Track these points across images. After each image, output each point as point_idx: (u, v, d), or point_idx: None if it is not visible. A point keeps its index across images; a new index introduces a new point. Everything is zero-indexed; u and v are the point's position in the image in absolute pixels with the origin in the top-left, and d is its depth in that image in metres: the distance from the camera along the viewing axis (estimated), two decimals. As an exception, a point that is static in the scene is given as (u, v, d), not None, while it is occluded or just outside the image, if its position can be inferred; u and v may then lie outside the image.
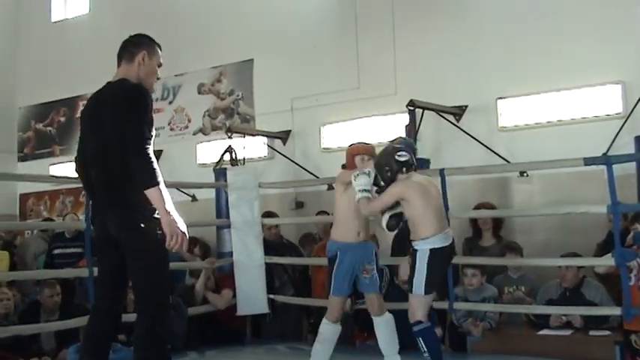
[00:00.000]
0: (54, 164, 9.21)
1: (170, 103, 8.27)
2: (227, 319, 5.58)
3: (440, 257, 3.68)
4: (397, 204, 3.79)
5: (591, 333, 4.52)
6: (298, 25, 7.28)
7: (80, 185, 3.46)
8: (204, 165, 7.60)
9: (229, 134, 6.78)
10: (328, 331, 4.09)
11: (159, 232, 2.78)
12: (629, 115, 5.34)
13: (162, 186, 2.78)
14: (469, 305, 4.82)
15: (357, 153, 4.07)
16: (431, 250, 3.65)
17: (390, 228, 3.86)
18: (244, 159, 6.81)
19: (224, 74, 7.88)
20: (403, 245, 4.20)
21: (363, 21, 6.82)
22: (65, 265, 5.91)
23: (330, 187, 6.07)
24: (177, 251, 2.85)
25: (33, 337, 4.89)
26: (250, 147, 7.09)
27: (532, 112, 5.87)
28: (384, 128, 6.46)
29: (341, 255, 4.01)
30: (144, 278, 2.92)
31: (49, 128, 9.54)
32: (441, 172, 4.78)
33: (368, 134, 6.56)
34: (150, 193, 2.76)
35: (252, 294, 5.60)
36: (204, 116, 7.99)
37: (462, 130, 6.02)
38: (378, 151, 4.02)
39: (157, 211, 2.80)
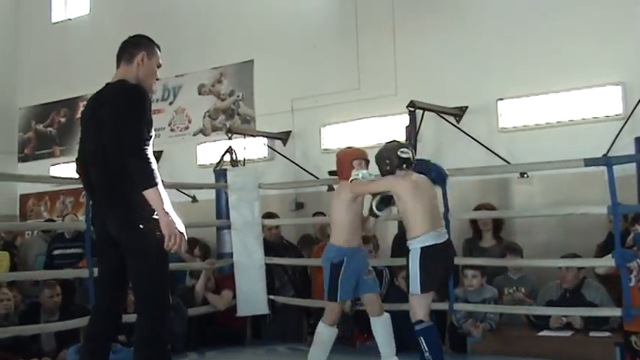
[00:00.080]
0: (54, 165, 9.21)
1: (170, 103, 8.28)
2: (227, 320, 5.58)
3: (432, 255, 3.71)
4: (390, 199, 3.91)
5: (591, 334, 4.51)
6: (298, 25, 7.29)
7: (80, 186, 3.46)
8: (204, 166, 7.60)
9: (229, 135, 6.78)
10: (326, 334, 4.09)
11: (158, 232, 2.77)
12: (630, 116, 5.35)
13: (160, 186, 2.78)
14: (469, 306, 4.81)
15: (355, 157, 4.13)
16: (422, 248, 3.70)
17: (377, 207, 3.98)
18: (244, 160, 6.82)
19: (224, 75, 7.88)
20: (403, 246, 4.20)
21: (363, 22, 6.82)
22: (65, 265, 5.91)
23: (331, 189, 6.08)
24: (175, 252, 2.85)
25: (33, 337, 4.89)
26: (250, 148, 7.09)
27: (532, 113, 5.88)
28: (385, 129, 6.46)
29: (348, 260, 4.02)
30: (144, 279, 2.92)
31: (50, 129, 9.54)
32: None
33: (368, 135, 6.59)
34: (148, 193, 2.76)
35: (252, 295, 5.59)
36: (204, 117, 8.00)
37: (462, 131, 6.03)
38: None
39: (156, 212, 2.81)
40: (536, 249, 5.51)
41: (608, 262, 4.32)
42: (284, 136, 7.23)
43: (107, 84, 3.06)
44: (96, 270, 3.31)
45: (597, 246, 4.97)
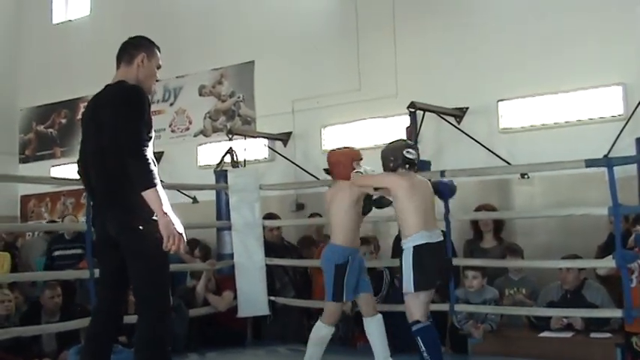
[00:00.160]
0: (55, 166, 9.21)
1: (171, 104, 8.28)
2: (228, 321, 5.58)
3: (425, 253, 3.73)
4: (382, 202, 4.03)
5: (592, 335, 4.51)
6: (299, 27, 7.29)
7: (81, 187, 3.47)
8: (205, 167, 7.60)
9: (230, 136, 6.78)
10: (327, 334, 4.09)
11: (157, 234, 2.77)
12: (630, 117, 5.34)
13: (159, 187, 2.78)
14: (470, 307, 4.81)
15: (356, 158, 4.21)
16: (414, 247, 3.73)
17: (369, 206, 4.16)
18: (245, 161, 6.82)
19: (225, 76, 7.89)
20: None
21: (363, 23, 6.82)
22: (65, 266, 5.91)
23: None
24: (174, 252, 2.85)
25: (34, 338, 4.89)
26: (251, 149, 7.09)
27: (533, 114, 5.87)
28: (385, 130, 6.46)
29: (351, 261, 4.03)
30: (144, 280, 2.92)
31: (50, 130, 9.55)
32: (442, 174, 4.79)
33: (369, 136, 6.59)
34: (147, 194, 2.76)
35: (252, 296, 5.60)
36: (205, 118, 8.00)
37: (462, 132, 6.03)
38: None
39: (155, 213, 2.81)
40: (536, 250, 5.50)
41: (609, 263, 4.32)
42: (285, 137, 7.24)
43: (107, 85, 3.07)
44: (96, 271, 3.31)
45: (598, 247, 4.97)
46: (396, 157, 3.92)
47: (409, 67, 6.47)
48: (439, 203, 4.75)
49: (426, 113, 5.88)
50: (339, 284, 4.00)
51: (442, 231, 4.13)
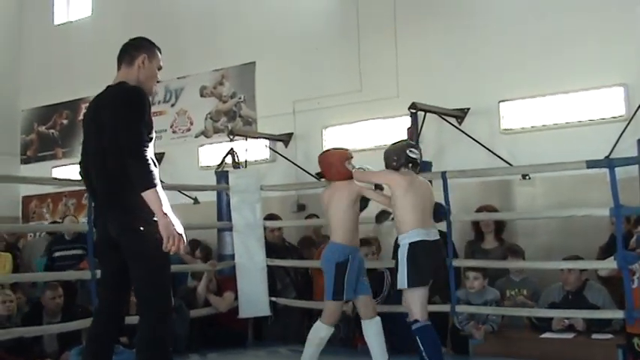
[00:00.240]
0: (56, 167, 9.22)
1: (172, 105, 8.29)
2: (229, 322, 5.59)
3: (421, 250, 3.76)
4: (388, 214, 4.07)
5: (594, 336, 4.50)
6: (300, 27, 7.30)
7: (82, 187, 3.47)
8: (206, 167, 7.60)
9: (231, 137, 6.79)
10: (326, 334, 4.09)
11: (158, 235, 2.77)
12: (632, 118, 5.33)
13: (159, 188, 2.78)
14: (471, 308, 4.81)
15: (346, 158, 4.23)
16: (410, 244, 3.76)
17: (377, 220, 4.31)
18: (246, 161, 6.81)
19: (226, 77, 7.89)
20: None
21: (365, 24, 6.82)
22: (66, 267, 5.91)
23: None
24: (174, 253, 2.85)
25: (35, 339, 4.89)
26: (252, 149, 7.09)
27: (534, 115, 5.87)
28: (386, 131, 6.46)
29: (352, 260, 4.04)
30: (145, 281, 2.92)
31: (52, 131, 9.56)
32: (443, 175, 4.80)
33: (370, 137, 6.59)
34: (147, 195, 2.76)
35: (254, 296, 5.60)
36: (206, 119, 8.00)
37: (464, 132, 6.02)
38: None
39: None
40: (538, 251, 5.50)
41: (610, 264, 4.32)
42: (286, 138, 7.24)
43: (108, 86, 3.08)
44: (97, 271, 3.31)
45: (599, 248, 4.97)
46: (399, 157, 3.97)
47: (410, 68, 6.47)
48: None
49: (427, 114, 5.88)
50: (339, 282, 4.00)
51: (440, 231, 4.15)
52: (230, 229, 5.80)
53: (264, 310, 5.64)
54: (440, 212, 4.32)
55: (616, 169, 4.21)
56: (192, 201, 7.29)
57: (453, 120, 6.11)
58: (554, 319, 4.67)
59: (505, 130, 5.99)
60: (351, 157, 4.25)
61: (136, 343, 2.97)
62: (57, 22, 9.67)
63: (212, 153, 7.64)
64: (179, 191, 6.69)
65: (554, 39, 5.77)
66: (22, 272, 6.30)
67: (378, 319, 4.15)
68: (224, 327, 5.56)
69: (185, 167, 7.74)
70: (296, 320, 5.87)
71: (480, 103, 6.07)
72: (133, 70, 3.07)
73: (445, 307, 4.78)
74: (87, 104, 3.47)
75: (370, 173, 4.10)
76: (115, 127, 2.86)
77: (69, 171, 8.53)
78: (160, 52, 3.17)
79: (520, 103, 5.93)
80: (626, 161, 4.39)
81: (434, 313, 4.10)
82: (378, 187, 4.18)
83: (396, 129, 6.24)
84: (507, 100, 5.97)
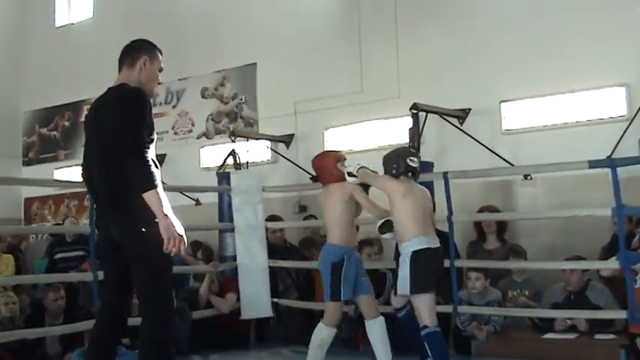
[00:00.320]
0: (58, 168, 9.24)
1: (174, 107, 8.30)
2: (231, 323, 5.58)
3: (423, 258, 3.76)
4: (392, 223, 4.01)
5: (596, 336, 4.50)
6: (301, 28, 7.30)
7: (84, 189, 3.47)
8: (207, 169, 7.60)
9: (233, 138, 6.79)
10: (328, 336, 4.09)
11: (160, 236, 2.77)
12: (634, 118, 5.33)
13: (159, 189, 2.78)
14: (473, 309, 4.80)
15: (339, 159, 4.25)
16: (413, 252, 3.76)
17: (380, 230, 4.15)
18: (248, 163, 6.82)
19: (227, 78, 7.90)
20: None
21: (366, 25, 6.82)
22: (68, 268, 5.92)
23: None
24: (175, 254, 2.85)
25: (38, 341, 4.90)
26: (254, 151, 7.09)
27: (536, 115, 5.86)
28: (388, 132, 6.47)
29: (347, 259, 4.04)
30: (147, 283, 2.92)
31: (54, 132, 9.57)
32: (445, 176, 4.80)
33: (372, 138, 6.59)
34: (147, 196, 2.76)
35: (256, 298, 5.60)
36: (207, 120, 8.01)
37: (465, 133, 6.02)
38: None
39: (156, 215, 2.81)
40: (540, 251, 5.49)
41: (612, 265, 4.31)
42: (287, 139, 7.24)
43: (109, 88, 3.08)
44: (100, 273, 3.32)
45: (602, 248, 4.96)
46: (398, 165, 3.93)
47: (411, 68, 6.47)
48: (441, 205, 4.76)
49: (429, 115, 5.88)
50: (335, 282, 4.01)
51: (442, 232, 4.14)
52: (232, 231, 5.80)
53: (267, 312, 5.64)
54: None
55: (618, 169, 4.20)
56: (193, 202, 7.29)
57: (454, 120, 6.11)
58: (557, 319, 4.66)
59: (507, 130, 5.99)
60: (344, 159, 4.26)
61: (139, 345, 2.97)
62: (58, 24, 9.68)
63: (213, 154, 7.64)
64: (181, 192, 6.69)
65: (554, 39, 5.76)
66: (24, 274, 6.31)
67: (381, 318, 4.14)
68: (226, 328, 5.56)
69: (187, 168, 7.74)
70: (298, 321, 5.87)
71: (482, 104, 6.06)
72: (134, 71, 3.08)
73: (447, 308, 4.77)
74: (88, 106, 3.48)
75: (372, 176, 4.08)
76: (116, 128, 2.87)
77: (71, 172, 8.54)
78: (161, 54, 3.17)
79: (521, 103, 5.93)
80: (628, 161, 4.38)
81: (436, 313, 4.09)
82: (366, 188, 4.18)
83: (398, 130, 6.24)
84: (509, 101, 5.97)
